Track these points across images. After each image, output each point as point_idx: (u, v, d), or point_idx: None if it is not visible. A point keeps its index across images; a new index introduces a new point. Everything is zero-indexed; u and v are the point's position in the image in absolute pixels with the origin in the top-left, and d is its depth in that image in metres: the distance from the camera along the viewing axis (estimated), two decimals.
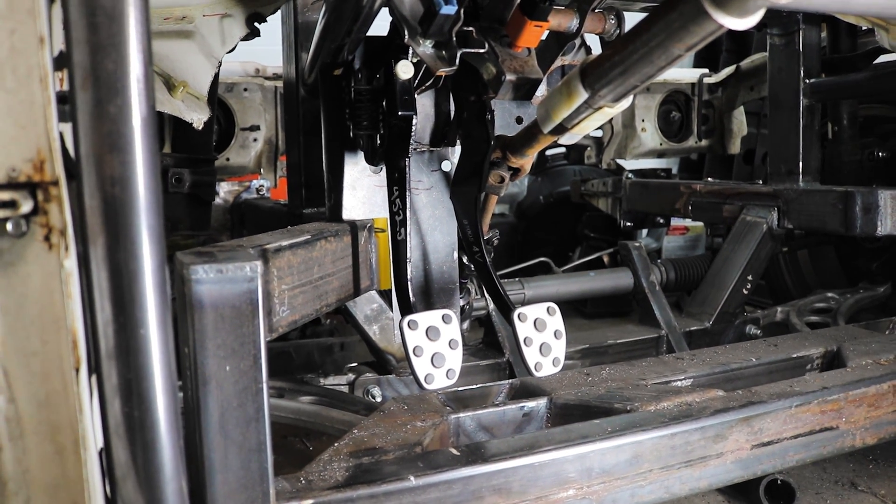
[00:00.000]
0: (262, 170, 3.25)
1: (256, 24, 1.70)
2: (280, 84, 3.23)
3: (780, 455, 1.59)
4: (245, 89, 3.14)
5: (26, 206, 0.75)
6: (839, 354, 1.94)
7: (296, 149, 2.12)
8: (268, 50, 2.01)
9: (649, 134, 3.55)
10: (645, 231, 3.97)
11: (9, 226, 0.75)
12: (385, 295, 2.06)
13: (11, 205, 0.74)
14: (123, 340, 0.80)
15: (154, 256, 0.81)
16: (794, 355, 1.95)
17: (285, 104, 2.12)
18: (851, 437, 1.68)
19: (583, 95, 1.20)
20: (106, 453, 0.83)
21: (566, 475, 1.35)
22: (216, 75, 1.64)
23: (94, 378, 0.82)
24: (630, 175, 3.53)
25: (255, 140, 3.18)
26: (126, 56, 0.77)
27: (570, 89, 1.22)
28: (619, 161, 3.81)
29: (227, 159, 3.14)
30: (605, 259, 3.82)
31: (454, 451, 1.33)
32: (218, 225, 3.18)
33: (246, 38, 1.73)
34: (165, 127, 2.54)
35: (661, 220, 3.82)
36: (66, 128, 0.81)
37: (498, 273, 1.59)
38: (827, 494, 1.99)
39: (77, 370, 0.79)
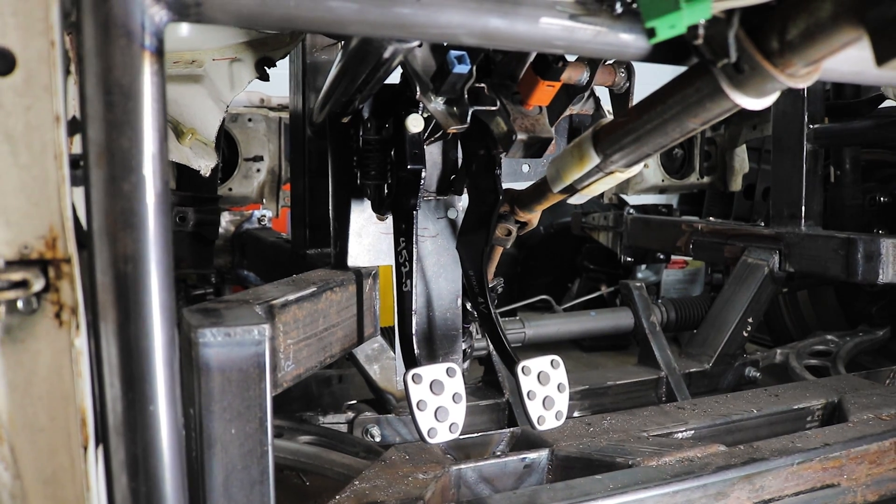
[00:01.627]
0: (264, 200, 3.25)
1: (266, 68, 1.70)
2: (284, 115, 3.23)
3: None
4: (249, 119, 3.14)
5: (38, 285, 0.74)
6: (840, 407, 1.93)
7: (301, 188, 2.12)
8: (273, 79, 2.01)
9: (652, 170, 3.56)
10: (644, 265, 3.97)
11: (20, 303, 0.74)
12: (386, 333, 2.06)
13: (23, 284, 0.73)
14: (132, 417, 0.80)
15: (165, 333, 0.81)
16: (796, 407, 1.95)
17: (291, 143, 2.12)
18: (853, 494, 1.68)
19: (594, 160, 1.20)
20: None
21: None
22: (224, 118, 1.64)
23: (99, 451, 0.81)
24: (631, 210, 3.53)
25: (258, 170, 3.18)
26: (141, 133, 0.77)
27: (581, 153, 1.23)
28: (621, 195, 3.81)
29: (230, 189, 3.13)
30: (605, 294, 3.82)
31: None
32: (219, 253, 3.18)
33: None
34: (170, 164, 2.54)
35: (661, 256, 3.82)
36: (77, 200, 0.81)
37: (498, 311, 1.58)
38: None
39: (85, 448, 0.78)
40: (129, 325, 0.78)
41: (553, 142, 1.63)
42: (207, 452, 1.01)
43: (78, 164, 0.81)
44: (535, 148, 1.31)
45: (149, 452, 0.82)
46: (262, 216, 3.25)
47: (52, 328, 0.77)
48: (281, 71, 2.13)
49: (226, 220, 3.18)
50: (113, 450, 0.81)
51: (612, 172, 1.20)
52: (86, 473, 0.79)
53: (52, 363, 0.77)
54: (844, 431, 1.73)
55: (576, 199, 1.30)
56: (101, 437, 0.81)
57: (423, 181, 1.45)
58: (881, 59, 0.75)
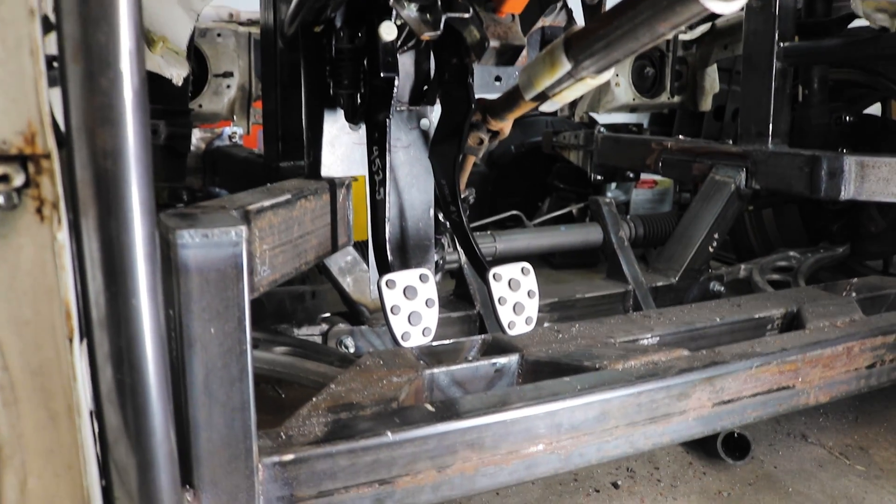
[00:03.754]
0: (234, 117, 3.20)
1: None
2: (254, 30, 3.17)
3: (739, 412, 1.67)
4: (219, 35, 3.08)
5: (18, 180, 0.75)
6: (799, 316, 2.01)
7: (273, 101, 2.10)
8: None
9: (623, 89, 3.56)
10: (614, 184, 4.01)
11: (1, 199, 0.75)
12: (359, 247, 2.08)
13: (4, 179, 0.74)
14: (115, 310, 0.82)
15: (145, 227, 0.82)
16: (757, 315, 2.02)
17: (263, 55, 2.09)
18: (806, 395, 1.76)
19: (566, 66, 1.21)
20: (98, 418, 0.85)
21: (536, 431, 1.41)
22: (194, 29, 1.61)
23: (84, 345, 0.84)
24: (602, 129, 3.55)
25: (228, 87, 3.12)
26: (117, 28, 0.77)
27: (553, 59, 1.24)
28: (592, 114, 3.82)
29: (200, 106, 3.08)
30: (574, 212, 3.86)
31: (429, 408, 1.37)
32: (190, 171, 3.15)
33: None
34: None
35: (631, 175, 3.86)
36: (55, 98, 0.81)
37: (471, 226, 1.61)
38: (779, 446, 2.07)
39: (70, 339, 0.80)
40: (109, 220, 0.80)
41: (525, 52, 1.64)
42: (188, 352, 1.03)
43: (52, 65, 0.81)
44: (508, 55, 1.32)
45: (132, 345, 0.84)
46: (233, 133, 3.22)
47: (33, 223, 0.78)
48: None
49: (196, 138, 3.14)
50: (97, 343, 0.83)
51: (582, 78, 1.21)
52: (72, 365, 0.81)
53: (36, 258, 0.78)
54: (801, 337, 1.80)
55: (547, 107, 1.32)
56: (86, 330, 0.83)
57: (395, 90, 1.45)
58: None
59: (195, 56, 3.07)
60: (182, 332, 1.04)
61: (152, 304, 0.85)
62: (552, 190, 4.17)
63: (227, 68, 3.10)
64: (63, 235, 0.78)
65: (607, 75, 1.23)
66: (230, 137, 3.23)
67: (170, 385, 0.90)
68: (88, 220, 0.79)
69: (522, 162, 4.21)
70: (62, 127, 0.80)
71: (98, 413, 0.85)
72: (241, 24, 3.19)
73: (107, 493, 0.90)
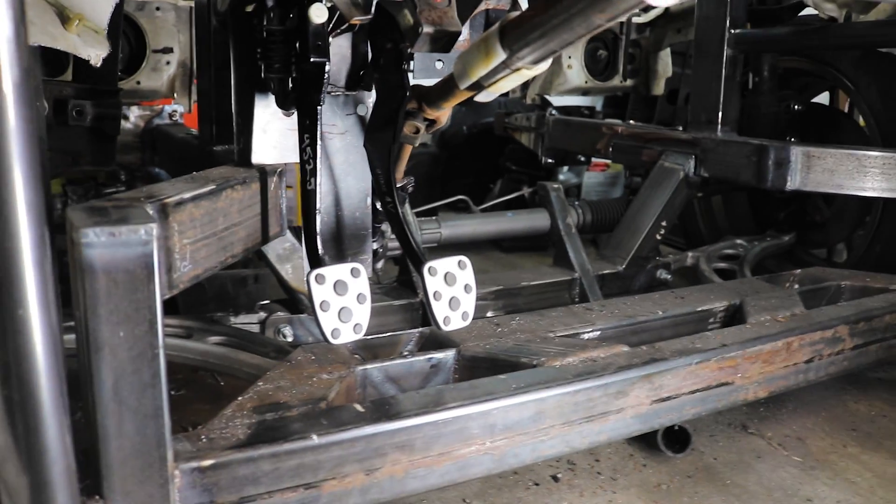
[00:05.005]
0: (175, 94, 3.10)
1: None
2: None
3: (677, 409, 1.66)
4: (157, 8, 2.95)
5: None
6: (741, 309, 2.01)
7: (207, 82, 2.02)
8: None
9: (575, 71, 3.53)
10: (566, 167, 3.99)
11: None
12: (298, 233, 2.02)
13: None
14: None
15: (33, 232, 0.76)
16: (699, 309, 2.02)
17: (196, 33, 2.01)
18: (745, 391, 1.76)
19: (501, 56, 1.16)
20: None
21: (470, 431, 1.38)
22: (119, 4, 1.52)
23: None
24: (554, 112, 3.51)
25: (167, 63, 3.00)
26: None
27: (488, 48, 1.19)
28: (545, 96, 3.79)
29: (138, 83, 2.95)
30: (526, 195, 3.83)
31: (359, 408, 1.33)
32: (129, 150, 3.04)
33: None
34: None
35: (582, 158, 3.84)
36: None
37: (415, 211, 1.57)
38: (720, 437, 2.08)
39: None
40: None
41: (468, 36, 1.58)
42: (95, 356, 0.98)
43: None
44: (443, 42, 1.27)
45: (21, 359, 0.79)
46: (174, 111, 3.11)
47: None
48: None
49: (135, 116, 3.03)
50: None
51: (518, 69, 1.16)
52: None
53: None
54: (742, 332, 1.80)
55: (483, 97, 1.27)
56: None
57: (328, 75, 1.39)
58: None
59: (133, 30, 2.95)
60: (89, 335, 0.98)
61: (43, 314, 0.79)
62: (504, 171, 4.14)
63: (167, 44, 2.98)
64: None
65: (544, 66, 1.18)
66: (171, 116, 3.12)
67: (66, 398, 0.85)
68: None
69: (474, 143, 4.18)
70: None
71: None
72: None
73: None
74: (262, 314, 2.11)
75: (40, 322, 0.79)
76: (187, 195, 1.26)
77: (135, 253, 0.97)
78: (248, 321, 2.10)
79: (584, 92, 3.68)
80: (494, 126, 3.91)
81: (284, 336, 2.09)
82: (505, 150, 4.11)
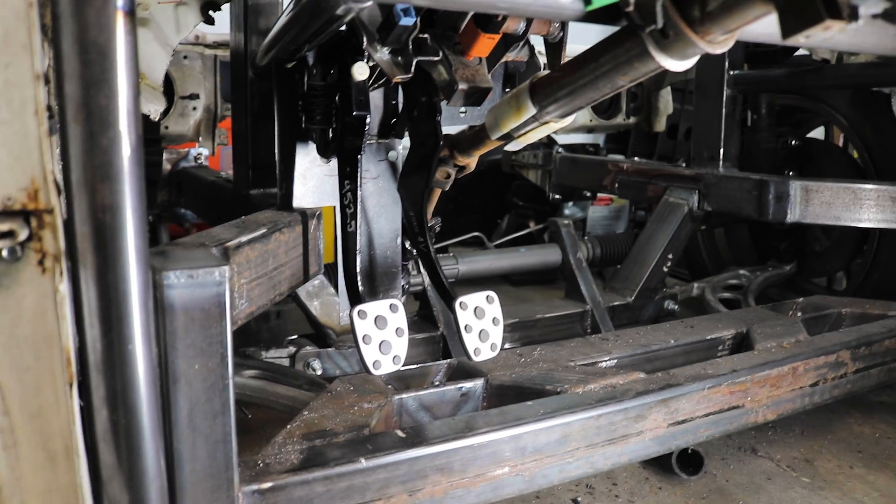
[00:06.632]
0: (200, 138, 3.23)
1: (211, 12, 1.70)
2: (219, 52, 3.19)
3: (692, 431, 1.75)
4: (185, 57, 3.10)
5: (22, 234, 0.79)
6: (748, 336, 2.11)
7: (243, 128, 2.14)
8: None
9: (581, 111, 3.66)
10: (571, 202, 4.11)
11: (4, 252, 0.79)
12: (327, 271, 2.13)
13: (9, 234, 0.78)
14: (111, 356, 0.86)
15: (140, 277, 0.87)
16: (708, 337, 2.12)
17: (232, 83, 2.13)
18: (755, 414, 1.86)
19: (531, 111, 1.28)
20: (92, 458, 0.89)
21: (503, 454, 1.47)
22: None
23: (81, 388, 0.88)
24: (560, 150, 3.64)
25: (194, 108, 3.14)
26: (116, 90, 0.82)
27: (518, 103, 1.31)
28: (551, 134, 3.91)
29: (167, 127, 3.09)
30: (532, 229, 3.94)
31: (400, 434, 1.43)
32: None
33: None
34: None
35: (588, 194, 3.96)
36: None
37: (434, 247, 1.67)
38: (731, 460, 2.16)
39: (70, 384, 0.84)
40: (107, 271, 0.84)
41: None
42: (173, 387, 1.08)
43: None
44: (476, 97, 1.39)
45: (127, 388, 0.89)
46: (199, 154, 3.23)
47: (35, 275, 0.82)
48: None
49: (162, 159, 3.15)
50: (94, 386, 0.87)
51: (546, 122, 1.28)
52: (71, 408, 0.86)
53: (37, 307, 0.82)
54: (750, 358, 1.90)
55: (512, 146, 1.39)
56: (81, 374, 0.87)
57: (368, 126, 1.51)
58: (786, 33, 0.85)
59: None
60: (168, 368, 1.08)
61: (146, 349, 0.90)
62: (511, 207, 4.25)
63: (194, 90, 3.11)
64: (64, 286, 0.83)
65: (570, 119, 1.30)
66: (196, 158, 3.25)
67: (161, 424, 0.95)
68: (87, 271, 0.84)
69: (482, 180, 4.29)
70: (60, 183, 0.84)
71: (93, 453, 0.89)
72: (207, 46, 3.21)
73: None
74: (292, 348, 2.20)
75: (144, 356, 0.89)
76: (244, 238, 1.37)
77: (210, 293, 1.08)
78: (278, 356, 2.20)
79: (589, 130, 3.82)
80: (502, 163, 4.03)
81: (314, 369, 2.19)
82: (512, 186, 4.22)
